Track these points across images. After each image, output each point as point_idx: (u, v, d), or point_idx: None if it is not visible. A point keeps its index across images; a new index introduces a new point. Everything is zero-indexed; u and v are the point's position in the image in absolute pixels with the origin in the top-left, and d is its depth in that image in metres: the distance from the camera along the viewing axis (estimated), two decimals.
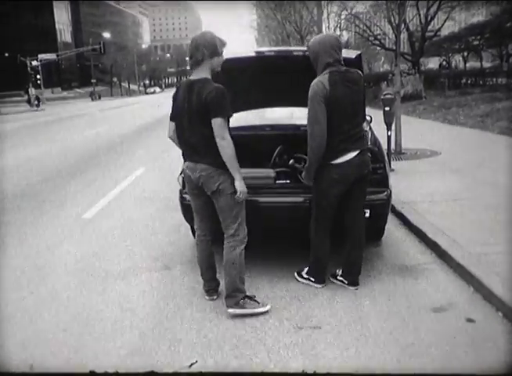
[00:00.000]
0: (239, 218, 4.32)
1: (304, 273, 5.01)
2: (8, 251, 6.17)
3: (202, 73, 4.14)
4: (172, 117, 4.38)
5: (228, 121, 4.13)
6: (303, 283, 4.95)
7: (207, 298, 4.67)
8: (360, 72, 4.64)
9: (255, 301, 4.40)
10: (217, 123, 4.00)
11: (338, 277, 4.93)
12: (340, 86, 4.37)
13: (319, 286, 4.88)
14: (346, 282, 4.85)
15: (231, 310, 4.32)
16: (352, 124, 4.49)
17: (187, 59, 4.27)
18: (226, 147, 4.02)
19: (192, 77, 4.20)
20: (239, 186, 4.13)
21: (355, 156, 4.43)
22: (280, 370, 3.51)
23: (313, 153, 4.44)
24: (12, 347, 3.92)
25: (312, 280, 4.93)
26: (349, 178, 4.50)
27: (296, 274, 5.07)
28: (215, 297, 4.67)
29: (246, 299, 4.36)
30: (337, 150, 4.42)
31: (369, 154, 4.70)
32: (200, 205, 4.50)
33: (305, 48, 4.80)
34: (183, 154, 4.41)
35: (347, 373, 3.44)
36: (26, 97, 58.54)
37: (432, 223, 6.10)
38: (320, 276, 4.92)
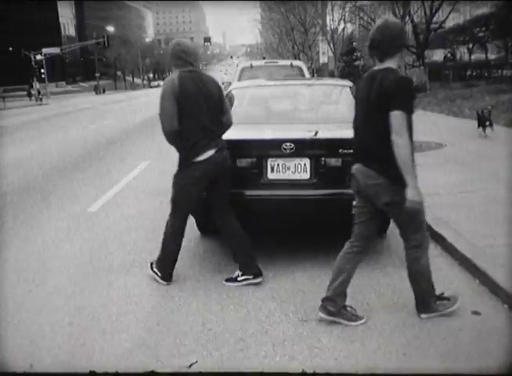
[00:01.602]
0: (420, 227, 3.91)
1: (154, 266, 4.95)
2: (13, 245, 6.18)
3: (389, 63, 3.77)
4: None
5: (410, 119, 3.68)
6: (151, 274, 4.92)
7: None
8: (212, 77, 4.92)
9: (444, 299, 4.10)
10: (396, 116, 3.56)
11: (239, 278, 4.82)
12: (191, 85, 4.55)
13: (164, 283, 4.84)
14: (251, 277, 4.79)
15: (424, 315, 4.02)
16: (213, 122, 4.64)
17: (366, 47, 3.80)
18: (402, 147, 3.58)
19: (376, 68, 3.85)
20: (411, 194, 3.58)
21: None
22: (280, 370, 3.50)
23: None
24: (19, 340, 3.94)
25: (159, 275, 4.88)
26: (210, 174, 4.62)
27: (149, 264, 5.01)
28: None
29: (438, 301, 4.07)
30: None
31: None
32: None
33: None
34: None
35: (347, 373, 3.44)
36: (26, 92, 58.75)
37: (437, 216, 6.08)
38: (166, 272, 4.87)
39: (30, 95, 57.14)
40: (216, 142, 4.65)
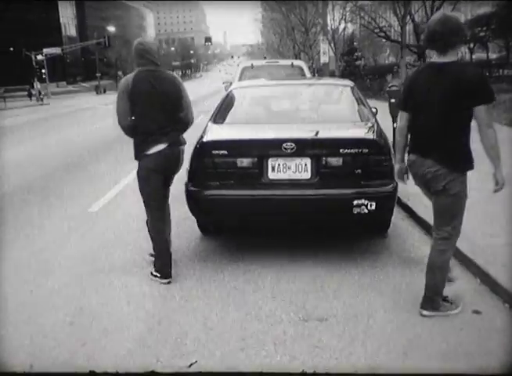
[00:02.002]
0: (455, 221, 4.03)
1: (152, 271, 4.99)
2: (14, 245, 6.18)
3: (451, 56, 3.81)
4: (407, 107, 4.09)
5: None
6: (152, 279, 4.94)
7: None
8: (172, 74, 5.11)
9: (448, 301, 4.17)
10: (484, 110, 3.74)
11: (153, 272, 4.95)
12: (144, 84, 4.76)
13: (165, 281, 4.87)
14: (159, 275, 4.90)
15: (426, 312, 4.07)
16: (168, 119, 4.85)
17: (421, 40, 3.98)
18: (494, 137, 3.84)
19: (437, 60, 3.86)
20: (500, 177, 3.90)
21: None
22: (280, 371, 3.50)
23: None
24: (20, 340, 3.94)
25: (158, 275, 4.92)
26: (167, 168, 4.90)
27: (150, 275, 5.01)
28: None
29: (441, 302, 4.12)
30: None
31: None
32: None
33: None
34: None
35: (347, 373, 3.44)
36: (27, 92, 58.80)
37: None
38: (165, 270, 4.91)
39: (30, 95, 57.14)
40: (168, 138, 4.84)
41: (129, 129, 4.92)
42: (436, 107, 3.83)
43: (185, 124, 5.06)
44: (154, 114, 4.80)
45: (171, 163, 4.93)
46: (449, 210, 3.99)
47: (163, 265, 4.93)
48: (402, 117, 4.17)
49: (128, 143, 5.17)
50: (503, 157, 4.01)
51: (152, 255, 5.16)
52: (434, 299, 4.08)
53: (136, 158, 4.99)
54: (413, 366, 3.45)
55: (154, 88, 4.78)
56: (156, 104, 4.78)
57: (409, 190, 7.03)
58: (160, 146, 4.81)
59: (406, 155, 4.19)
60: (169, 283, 4.88)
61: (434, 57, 3.91)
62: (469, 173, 4.11)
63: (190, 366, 3.54)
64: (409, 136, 4.18)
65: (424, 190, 4.21)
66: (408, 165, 4.20)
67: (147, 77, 4.81)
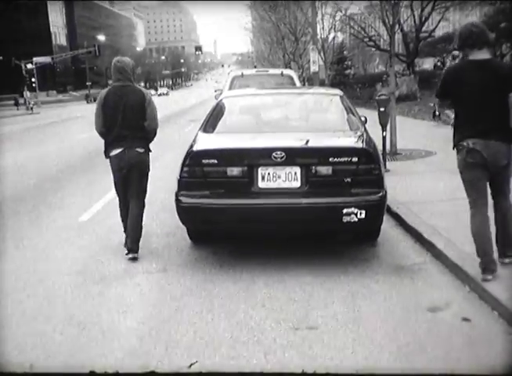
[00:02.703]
0: None
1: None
2: (4, 255, 6.15)
3: (485, 55, 4.53)
4: (448, 95, 4.75)
5: None
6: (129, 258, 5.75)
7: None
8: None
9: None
10: None
11: (130, 255, 5.76)
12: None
13: (130, 256, 5.74)
14: (126, 251, 5.81)
15: (508, 260, 4.70)
16: (129, 128, 5.70)
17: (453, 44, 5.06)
18: None
19: (476, 58, 4.53)
20: None
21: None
22: (280, 371, 3.51)
23: None
24: (10, 350, 3.91)
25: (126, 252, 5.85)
26: (122, 167, 5.75)
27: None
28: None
29: None
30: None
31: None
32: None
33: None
34: None
35: (347, 373, 3.45)
36: (13, 101, 58.77)
37: (428, 223, 6.12)
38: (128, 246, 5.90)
39: (17, 104, 57.04)
40: (124, 143, 5.71)
41: (102, 135, 5.92)
42: (489, 97, 4.45)
43: (148, 132, 5.86)
44: (118, 123, 5.69)
45: (124, 164, 5.74)
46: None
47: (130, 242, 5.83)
48: (443, 104, 4.93)
49: None
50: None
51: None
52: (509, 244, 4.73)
53: (106, 158, 5.95)
54: (413, 367, 3.47)
55: (121, 101, 5.67)
56: (119, 114, 5.67)
57: (399, 199, 7.10)
58: (117, 150, 5.73)
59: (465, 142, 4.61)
60: (133, 258, 5.69)
61: (471, 55, 4.56)
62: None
63: (190, 366, 3.54)
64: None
65: (478, 171, 4.61)
66: (470, 149, 4.54)
67: (116, 92, 5.76)
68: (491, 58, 4.61)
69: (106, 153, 5.88)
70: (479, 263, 4.56)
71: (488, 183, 4.69)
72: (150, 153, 6.01)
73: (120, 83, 5.76)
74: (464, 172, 4.72)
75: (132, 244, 5.78)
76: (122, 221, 6.10)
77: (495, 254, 4.66)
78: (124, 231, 6.01)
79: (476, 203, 4.69)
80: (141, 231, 5.90)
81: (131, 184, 5.87)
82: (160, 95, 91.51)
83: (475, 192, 4.69)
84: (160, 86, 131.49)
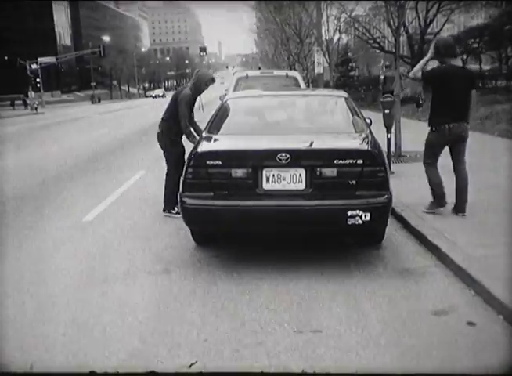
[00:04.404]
0: None
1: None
2: (8, 255, 6.15)
3: (459, 62, 5.95)
4: (430, 84, 6.61)
5: None
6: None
7: None
8: None
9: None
10: (475, 93, 6.49)
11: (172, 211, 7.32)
12: None
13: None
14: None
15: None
16: None
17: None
18: (474, 101, 6.48)
19: (453, 64, 6.38)
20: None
21: None
22: (280, 371, 3.50)
23: None
24: (12, 351, 3.90)
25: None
26: None
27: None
28: None
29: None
30: None
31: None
32: None
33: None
34: None
35: (347, 373, 3.43)
36: (9, 102, 59.24)
37: (432, 226, 6.09)
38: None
39: (13, 104, 57.57)
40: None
41: None
42: (463, 91, 6.33)
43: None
44: None
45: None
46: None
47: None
48: (426, 87, 7.53)
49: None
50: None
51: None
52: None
53: None
54: (413, 367, 3.45)
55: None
56: None
57: (403, 201, 7.07)
58: None
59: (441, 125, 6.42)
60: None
61: (450, 61, 6.36)
62: None
63: (191, 366, 3.53)
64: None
65: (443, 144, 6.53)
66: (448, 129, 6.33)
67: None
68: (461, 65, 6.61)
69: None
70: (434, 202, 6.65)
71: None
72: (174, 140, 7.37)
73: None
74: (435, 143, 6.55)
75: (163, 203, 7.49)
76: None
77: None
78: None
79: (434, 163, 6.64)
80: (169, 194, 7.28)
81: None
82: (154, 97, 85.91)
83: (434, 156, 6.63)
84: (165, 87, 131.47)
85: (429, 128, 6.58)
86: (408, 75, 7.40)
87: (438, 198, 6.61)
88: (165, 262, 5.71)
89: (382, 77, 24.19)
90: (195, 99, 7.46)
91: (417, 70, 6.51)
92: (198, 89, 7.42)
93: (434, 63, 6.59)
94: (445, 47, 6.36)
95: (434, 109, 6.51)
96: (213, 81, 7.58)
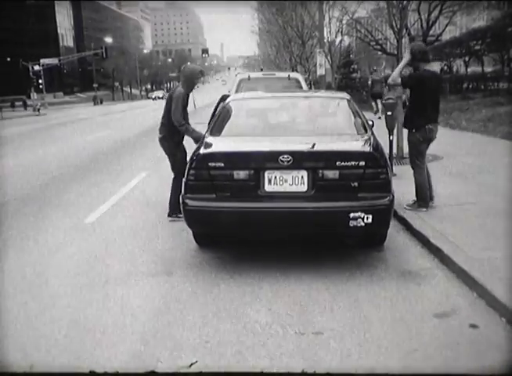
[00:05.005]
0: None
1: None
2: (9, 256, 6.15)
3: (432, 66, 6.28)
4: (410, 86, 6.99)
5: None
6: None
7: None
8: None
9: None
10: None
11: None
12: None
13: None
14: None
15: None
16: None
17: None
18: None
19: (429, 68, 6.86)
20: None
21: None
22: (281, 370, 3.50)
23: None
24: (13, 352, 3.90)
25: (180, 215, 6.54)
26: None
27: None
28: None
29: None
30: None
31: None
32: None
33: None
34: None
35: (347, 373, 3.43)
36: (9, 103, 59.49)
37: (435, 228, 6.09)
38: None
39: (13, 105, 57.73)
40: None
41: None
42: (437, 94, 6.91)
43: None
44: None
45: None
46: None
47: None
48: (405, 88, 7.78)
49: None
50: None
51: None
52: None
53: None
54: (413, 367, 3.44)
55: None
56: None
57: (406, 203, 7.07)
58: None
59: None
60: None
61: (424, 66, 6.81)
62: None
63: (191, 366, 3.53)
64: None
65: (427, 144, 6.96)
66: (429, 130, 6.80)
67: None
68: (434, 69, 7.04)
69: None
70: (417, 202, 6.99)
71: None
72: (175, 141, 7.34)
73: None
74: (421, 144, 6.89)
75: (169, 208, 7.32)
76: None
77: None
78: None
79: (423, 164, 6.96)
80: (174, 198, 6.93)
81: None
82: (154, 99, 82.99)
83: (421, 157, 6.97)
84: (167, 89, 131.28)
85: (407, 131, 7.06)
86: (388, 81, 7.45)
87: (423, 200, 6.93)
88: (167, 263, 5.71)
89: (370, 81, 24.47)
90: (188, 96, 7.39)
91: (396, 76, 6.85)
92: (190, 85, 7.34)
93: (407, 70, 7.14)
94: (421, 53, 6.81)
95: (414, 111, 6.90)
96: (201, 73, 7.53)
